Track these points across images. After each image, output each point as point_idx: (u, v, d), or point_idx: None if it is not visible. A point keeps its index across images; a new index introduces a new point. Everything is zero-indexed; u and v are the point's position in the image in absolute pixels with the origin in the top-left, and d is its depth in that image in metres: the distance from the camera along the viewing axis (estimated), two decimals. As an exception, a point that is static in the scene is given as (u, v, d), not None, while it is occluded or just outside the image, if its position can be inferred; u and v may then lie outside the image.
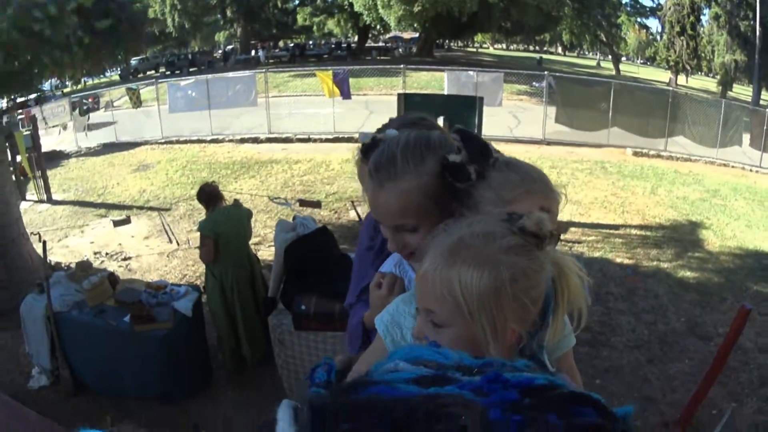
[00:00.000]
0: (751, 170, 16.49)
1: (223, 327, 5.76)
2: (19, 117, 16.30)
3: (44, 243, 5.97)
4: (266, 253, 8.25)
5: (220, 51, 57.73)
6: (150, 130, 18.50)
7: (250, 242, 6.13)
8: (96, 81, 34.70)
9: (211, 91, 18.17)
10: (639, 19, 59.17)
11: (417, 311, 1.15)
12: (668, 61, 44.55)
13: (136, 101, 19.20)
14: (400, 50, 51.63)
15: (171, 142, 17.56)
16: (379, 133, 1.60)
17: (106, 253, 9.08)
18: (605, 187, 12.97)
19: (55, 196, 12.74)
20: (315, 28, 47.69)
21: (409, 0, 29.41)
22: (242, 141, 17.22)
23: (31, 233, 8.84)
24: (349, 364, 1.50)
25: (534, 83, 24.70)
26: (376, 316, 1.58)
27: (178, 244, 9.49)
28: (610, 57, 54.35)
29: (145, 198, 12.10)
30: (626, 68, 57.21)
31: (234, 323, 5.76)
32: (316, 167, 14.03)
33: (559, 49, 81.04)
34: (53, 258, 8.25)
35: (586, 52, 77.86)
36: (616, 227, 10.40)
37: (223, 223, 5.57)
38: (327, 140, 16.99)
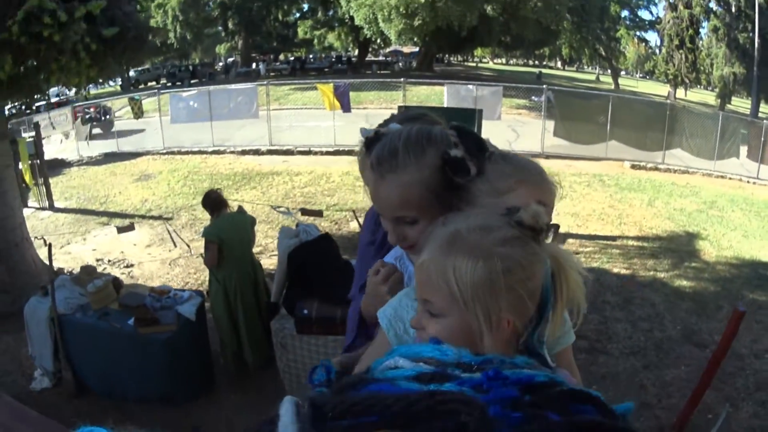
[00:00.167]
0: (748, 182, 16.57)
1: (226, 331, 5.82)
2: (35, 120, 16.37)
3: (49, 246, 6.02)
4: (267, 262, 8.31)
5: (220, 63, 57.89)
6: (151, 141, 18.61)
7: (253, 249, 6.20)
8: (97, 91, 34.72)
9: (213, 103, 18.27)
10: (638, 33, 59.34)
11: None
12: (667, 74, 44.41)
13: (138, 112, 19.29)
14: (400, 64, 51.82)
15: (172, 153, 17.63)
16: (382, 127, 1.63)
17: (109, 261, 9.14)
18: (603, 199, 13.06)
19: (57, 204, 12.81)
20: (316, 41, 47.97)
21: (409, 14, 29.53)
22: (243, 153, 17.28)
23: (35, 237, 8.91)
24: (348, 365, 1.54)
25: (533, 97, 24.85)
26: (371, 304, 1.65)
27: (188, 246, 9.61)
28: (609, 71, 54.39)
29: (147, 207, 12.17)
30: (625, 82, 57.30)
31: (236, 327, 5.82)
32: (317, 179, 14.12)
33: (559, 64, 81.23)
34: (56, 264, 8.32)
35: (586, 67, 78.06)
36: (613, 238, 10.48)
37: (227, 229, 5.65)
38: (327, 153, 17.05)
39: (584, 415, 0.62)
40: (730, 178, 16.68)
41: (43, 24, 5.70)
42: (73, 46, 6.05)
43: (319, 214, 9.31)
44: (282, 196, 12.66)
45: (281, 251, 6.06)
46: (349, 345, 1.95)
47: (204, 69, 48.34)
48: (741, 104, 44.00)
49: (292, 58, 55.94)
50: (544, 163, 1.39)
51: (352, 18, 35.13)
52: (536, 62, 77.41)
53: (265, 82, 21.14)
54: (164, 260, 9.11)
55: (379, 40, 37.29)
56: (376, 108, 23.30)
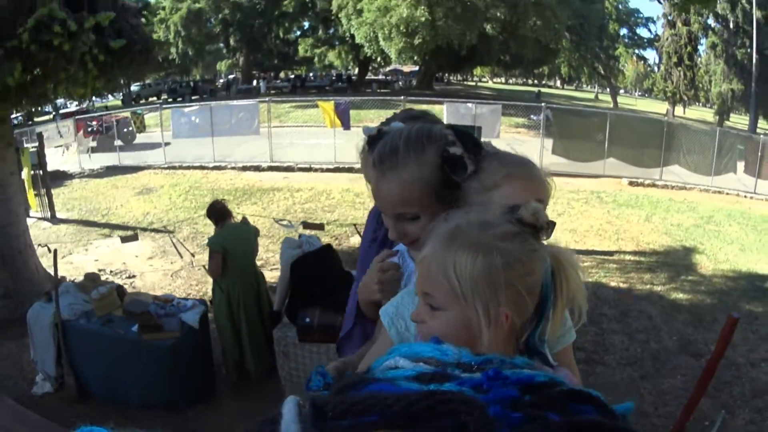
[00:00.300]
0: (745, 196, 16.66)
1: (228, 339, 5.88)
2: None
3: (54, 252, 6.10)
4: (269, 275, 8.34)
5: (221, 80, 58.02)
6: (153, 155, 18.74)
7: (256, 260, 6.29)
8: (99, 104, 34.82)
9: (215, 119, 18.41)
10: (637, 51, 59.62)
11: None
12: (665, 92, 44.49)
13: (140, 126, 19.40)
14: (400, 83, 51.97)
15: (174, 168, 17.72)
16: (384, 125, 1.66)
17: (111, 271, 9.19)
18: (600, 215, 13.15)
19: (58, 215, 12.86)
20: (316, 59, 48.03)
21: (410, 32, 29.73)
22: (244, 168, 17.35)
23: (38, 245, 8.96)
24: (343, 369, 1.56)
25: (531, 116, 24.99)
26: (364, 291, 1.71)
27: (192, 256, 9.69)
28: (608, 90, 54.50)
29: (149, 220, 12.23)
30: (624, 101, 57.51)
31: (239, 336, 5.88)
32: (317, 195, 14.20)
33: (558, 83, 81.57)
34: (54, 277, 8.39)
35: (585, 86, 78.36)
36: (611, 253, 10.55)
37: (231, 239, 5.73)
38: (328, 170, 17.12)
39: (584, 415, 0.62)
40: (728, 194, 16.78)
41: (53, 33, 5.78)
42: (82, 56, 6.12)
43: (320, 227, 9.38)
44: (283, 212, 12.73)
45: (284, 261, 6.15)
46: (346, 332, 1.97)
47: (205, 85, 48.30)
48: (739, 121, 44.14)
49: (293, 76, 56.07)
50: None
51: (352, 36, 35.30)
52: (535, 81, 77.78)
53: (266, 99, 21.29)
54: (166, 272, 9.17)
55: (379, 59, 37.46)
56: (376, 126, 23.44)
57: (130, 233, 9.11)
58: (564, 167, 17.09)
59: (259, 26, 44.22)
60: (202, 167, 17.67)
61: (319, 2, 40.08)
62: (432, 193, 1.42)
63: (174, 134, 18.65)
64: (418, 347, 0.85)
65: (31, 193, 12.07)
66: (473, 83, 71.20)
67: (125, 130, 21.27)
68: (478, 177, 1.40)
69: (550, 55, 38.10)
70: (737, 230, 12.86)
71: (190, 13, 41.22)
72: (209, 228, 10.76)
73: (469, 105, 19.09)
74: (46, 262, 8.76)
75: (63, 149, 18.57)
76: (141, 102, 41.45)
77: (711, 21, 41.15)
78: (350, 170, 16.39)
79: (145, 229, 11.43)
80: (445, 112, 18.71)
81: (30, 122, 22.06)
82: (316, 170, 17.23)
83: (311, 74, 59.80)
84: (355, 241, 9.98)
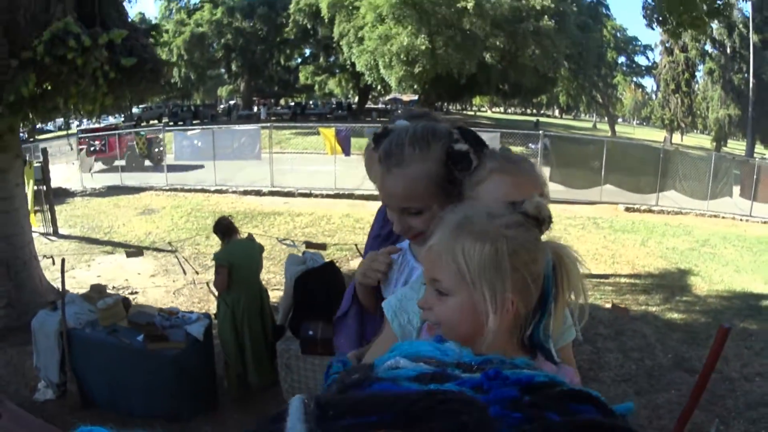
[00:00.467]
0: (741, 220, 16.82)
1: (232, 353, 5.94)
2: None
3: (62, 261, 6.12)
4: (271, 295, 8.46)
5: (221, 105, 58.23)
6: (155, 177, 18.91)
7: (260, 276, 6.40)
8: (100, 125, 34.91)
9: (217, 142, 18.64)
10: (635, 79, 59.87)
11: (425, 286, 1.20)
12: (663, 119, 44.83)
13: (143, 147, 19.56)
14: (400, 112, 52.11)
15: (175, 190, 17.89)
16: (389, 124, 1.72)
17: (113, 287, 9.21)
18: (596, 240, 13.25)
19: (61, 231, 13.00)
20: (316, 87, 48.10)
21: (410, 61, 29.98)
22: (245, 193, 17.50)
23: (44, 256, 9.04)
24: (362, 358, 1.60)
25: (530, 144, 25.16)
26: (360, 273, 1.77)
27: (196, 273, 9.78)
28: (606, 119, 54.58)
29: (151, 239, 12.31)
30: (622, 129, 57.62)
31: (242, 350, 5.95)
32: (318, 220, 14.30)
33: (556, 112, 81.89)
34: (61, 286, 8.47)
35: (583, 115, 78.70)
36: (606, 276, 10.65)
37: (237, 255, 5.84)
38: (328, 196, 17.25)
39: (584, 415, 0.62)
40: (723, 217, 16.95)
41: (67, 47, 5.91)
42: (93, 72, 6.24)
43: (322, 247, 9.47)
44: (284, 235, 12.77)
45: (288, 277, 6.27)
46: (342, 313, 1.99)
47: (206, 110, 48.45)
48: (737, 146, 44.28)
49: (292, 104, 56.35)
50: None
51: (353, 64, 35.46)
52: (534, 111, 78.07)
53: (268, 125, 21.50)
54: (169, 290, 9.23)
55: (379, 87, 37.71)
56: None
57: (133, 249, 9.20)
58: (561, 194, 17.20)
59: (261, 52, 44.52)
60: (203, 190, 17.84)
61: (321, 30, 40.31)
62: (436, 188, 1.49)
63: (176, 156, 18.90)
64: (419, 346, 0.86)
65: (31, 209, 12.16)
66: (472, 113, 71.48)
67: (156, 150, 21.42)
68: (472, 173, 1.46)
69: (549, 83, 38.23)
70: (732, 252, 13.01)
71: (193, 37, 41.59)
72: (211, 249, 10.95)
73: (468, 133, 19.22)
74: (49, 276, 8.87)
75: (65, 167, 18.66)
76: (142, 124, 41.53)
77: (708, 47, 41.52)
78: (350, 196, 16.59)
79: (147, 248, 11.53)
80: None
81: (32, 139, 22.15)
82: (316, 196, 17.36)
83: (311, 102, 60.15)
84: (356, 264, 10.07)
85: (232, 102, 56.69)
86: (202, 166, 19.34)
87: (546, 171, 17.63)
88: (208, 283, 8.88)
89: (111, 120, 34.95)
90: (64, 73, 6.11)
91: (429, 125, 1.59)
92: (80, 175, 18.53)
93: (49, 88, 6.34)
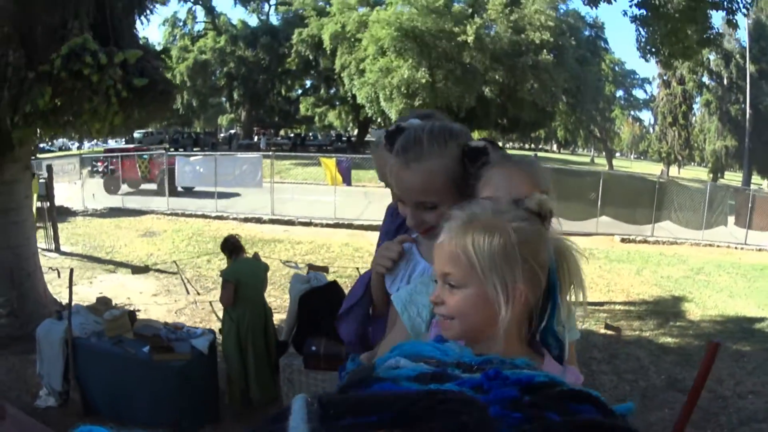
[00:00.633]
0: (736, 248, 16.99)
1: (235, 368, 6.01)
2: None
3: (71, 271, 6.19)
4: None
5: (221, 134, 58.34)
6: (156, 201, 19.03)
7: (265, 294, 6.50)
8: (101, 148, 34.97)
9: (219, 169, 18.73)
10: (632, 113, 60.11)
11: (435, 283, 1.23)
12: (660, 153, 44.89)
13: (146, 171, 19.67)
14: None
15: (176, 215, 17.97)
16: (401, 122, 1.75)
17: (115, 304, 9.29)
18: (591, 270, 13.23)
19: (63, 248, 13.06)
20: (317, 118, 48.39)
21: (410, 94, 30.14)
22: (246, 220, 17.56)
23: (50, 268, 9.07)
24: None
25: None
26: (374, 262, 1.79)
27: (198, 293, 9.85)
28: (603, 153, 54.70)
29: (152, 260, 12.34)
30: (620, 163, 57.42)
31: (245, 366, 6.02)
32: (318, 248, 14.36)
33: (554, 147, 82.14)
34: (62, 301, 8.49)
35: (581, 149, 78.94)
36: (601, 304, 10.73)
37: (243, 272, 5.98)
38: (328, 225, 17.29)
39: (584, 415, 0.62)
40: (718, 246, 17.10)
41: (84, 63, 6.02)
42: (107, 90, 6.33)
43: (325, 269, 9.59)
44: (284, 264, 12.93)
45: (293, 295, 6.39)
46: (347, 308, 2.00)
47: (207, 138, 48.48)
48: (734, 178, 44.42)
49: (292, 135, 56.51)
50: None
51: (353, 96, 35.49)
52: (532, 145, 78.22)
53: (269, 153, 21.68)
54: (170, 309, 9.26)
55: (379, 120, 37.96)
56: (374, 186, 23.81)
57: (140, 266, 9.26)
58: (556, 226, 17.26)
59: (262, 82, 44.41)
60: (204, 216, 17.94)
61: (322, 61, 40.47)
62: (452, 184, 1.54)
63: (178, 181, 19.06)
64: (419, 346, 0.87)
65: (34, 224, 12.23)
66: (470, 147, 71.42)
67: (157, 172, 21.17)
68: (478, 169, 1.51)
69: (547, 117, 38.13)
70: (727, 279, 13.16)
71: (197, 64, 41.47)
72: (212, 272, 11.05)
73: (466, 165, 19.35)
74: (53, 290, 8.89)
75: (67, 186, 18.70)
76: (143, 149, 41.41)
77: (706, 78, 41.67)
78: (350, 226, 16.70)
79: (149, 268, 11.59)
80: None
81: (34, 157, 22.19)
82: (316, 225, 17.41)
83: (310, 134, 60.32)
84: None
85: (232, 131, 56.72)
86: (203, 192, 19.46)
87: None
88: (211, 303, 8.94)
89: (111, 143, 34.96)
90: (79, 88, 6.20)
91: (445, 124, 1.65)
92: (82, 195, 18.63)
93: (62, 103, 6.40)
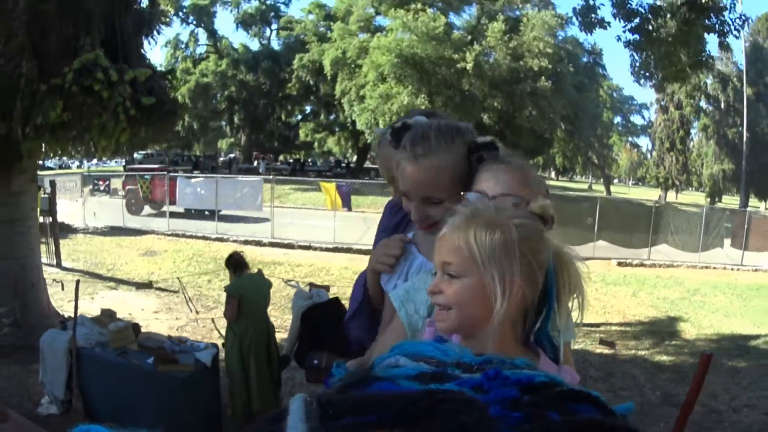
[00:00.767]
0: (732, 269, 17.13)
1: (237, 382, 6.05)
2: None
3: (77, 282, 6.27)
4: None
5: (221, 158, 58.34)
6: (156, 222, 19.14)
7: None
8: (101, 168, 34.91)
9: (220, 191, 18.88)
10: (630, 139, 60.07)
11: (433, 276, 1.25)
12: (658, 178, 44.89)
13: (147, 191, 19.75)
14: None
15: (177, 235, 18.07)
16: (406, 119, 1.75)
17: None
18: (588, 292, 13.36)
19: (64, 263, 13.13)
20: (316, 144, 48.45)
21: (410, 121, 30.40)
22: (246, 242, 17.58)
23: (54, 280, 9.11)
24: (363, 366, 1.56)
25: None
26: (372, 260, 1.82)
27: (197, 313, 9.89)
28: (601, 180, 54.67)
29: (153, 279, 12.44)
30: (617, 189, 57.50)
31: (248, 380, 6.06)
32: (317, 271, 14.45)
33: (552, 174, 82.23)
34: (65, 314, 8.53)
35: (579, 176, 78.97)
36: (597, 325, 10.81)
37: (247, 288, 6.08)
38: (327, 249, 17.37)
39: (584, 415, 0.62)
40: (715, 268, 17.22)
41: (95, 78, 6.14)
42: (116, 107, 6.45)
43: (326, 288, 9.68)
44: (284, 285, 13.01)
45: (295, 311, 6.44)
46: (352, 313, 2.04)
47: (207, 161, 48.15)
48: (731, 201, 44.42)
49: (291, 160, 56.53)
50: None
51: (353, 122, 35.45)
52: (530, 172, 78.22)
53: (270, 177, 21.84)
54: (172, 326, 9.30)
55: (379, 146, 37.93)
56: (373, 212, 23.94)
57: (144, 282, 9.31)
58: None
59: (263, 106, 44.42)
60: (204, 237, 18.04)
61: (323, 87, 40.56)
62: (458, 180, 1.56)
63: (179, 202, 19.20)
64: (419, 346, 0.86)
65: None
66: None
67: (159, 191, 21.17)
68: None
69: (545, 144, 38.20)
70: (722, 299, 13.30)
71: (198, 87, 41.46)
72: (213, 291, 11.11)
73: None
74: (56, 303, 8.95)
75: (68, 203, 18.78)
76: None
77: (703, 102, 41.84)
78: (349, 250, 16.77)
79: (152, 284, 11.66)
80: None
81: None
82: (315, 248, 17.49)
83: (309, 159, 60.35)
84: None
85: (232, 155, 56.68)
86: (204, 213, 19.58)
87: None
88: (213, 320, 8.99)
89: (111, 164, 35.00)
90: (89, 104, 6.32)
91: (451, 122, 1.69)
92: (83, 213, 18.81)
93: (71, 117, 6.50)
